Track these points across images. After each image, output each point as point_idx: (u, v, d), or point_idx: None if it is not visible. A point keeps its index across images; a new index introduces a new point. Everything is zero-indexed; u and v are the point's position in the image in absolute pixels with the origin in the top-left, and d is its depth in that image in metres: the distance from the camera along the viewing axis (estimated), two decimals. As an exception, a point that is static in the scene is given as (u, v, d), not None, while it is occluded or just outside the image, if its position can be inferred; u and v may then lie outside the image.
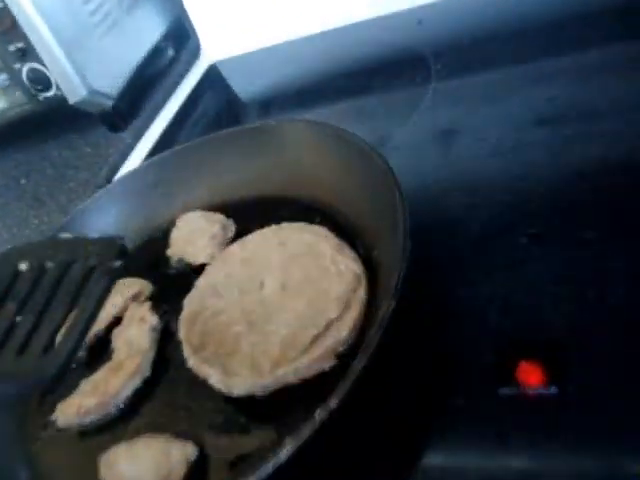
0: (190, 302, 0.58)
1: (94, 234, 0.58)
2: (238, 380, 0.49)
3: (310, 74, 0.95)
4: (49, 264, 0.46)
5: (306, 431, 0.40)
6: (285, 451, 0.40)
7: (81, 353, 0.64)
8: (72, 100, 0.92)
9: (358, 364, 0.42)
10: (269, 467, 0.40)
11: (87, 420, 0.57)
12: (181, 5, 1.08)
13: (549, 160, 0.60)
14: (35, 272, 0.46)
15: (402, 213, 0.49)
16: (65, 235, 0.54)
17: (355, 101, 0.85)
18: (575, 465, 0.40)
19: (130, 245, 0.72)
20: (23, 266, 0.46)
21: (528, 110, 0.66)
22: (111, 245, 0.46)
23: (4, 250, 0.48)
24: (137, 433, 0.53)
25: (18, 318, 0.44)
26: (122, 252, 0.45)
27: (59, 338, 0.43)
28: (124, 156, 0.96)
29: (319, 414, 0.40)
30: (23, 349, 0.43)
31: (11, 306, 0.45)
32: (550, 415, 0.42)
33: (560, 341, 0.46)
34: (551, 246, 0.52)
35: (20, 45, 0.90)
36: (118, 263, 0.45)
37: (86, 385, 0.59)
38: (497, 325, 0.49)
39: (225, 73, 1.07)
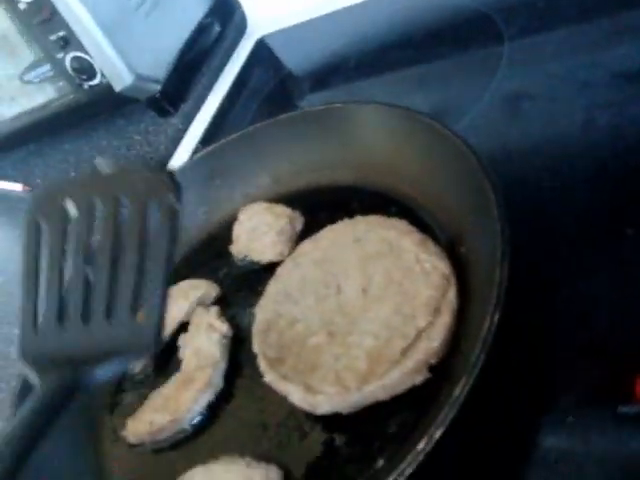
0: (262, 310, 0.54)
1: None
2: (322, 398, 0.45)
3: (367, 43, 0.89)
4: (98, 202, 0.42)
5: (409, 459, 0.36)
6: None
7: (148, 361, 0.61)
8: (118, 88, 0.89)
9: (461, 388, 0.37)
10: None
11: (159, 437, 0.54)
12: (225, -23, 1.03)
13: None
14: (86, 214, 0.42)
15: (498, 208, 0.44)
16: (103, 161, 0.50)
17: (419, 71, 0.79)
18: None
19: (191, 243, 0.69)
20: (71, 207, 0.42)
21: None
22: (163, 179, 0.42)
23: (44, 190, 0.45)
24: (213, 451, 0.50)
25: (90, 275, 0.41)
26: (177, 186, 0.41)
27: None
28: (175, 142, 0.92)
29: (423, 445, 0.36)
30: (110, 312, 0.40)
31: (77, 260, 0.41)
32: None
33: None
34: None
35: (61, 34, 0.87)
36: (174, 200, 0.41)
37: (156, 399, 0.56)
38: (610, 334, 0.43)
39: (274, 47, 1.02)
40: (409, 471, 0.36)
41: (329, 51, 0.92)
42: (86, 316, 0.41)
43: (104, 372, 0.41)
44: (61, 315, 0.41)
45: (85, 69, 0.89)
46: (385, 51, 0.85)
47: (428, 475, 0.38)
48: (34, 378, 0.40)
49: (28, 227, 0.43)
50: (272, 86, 0.95)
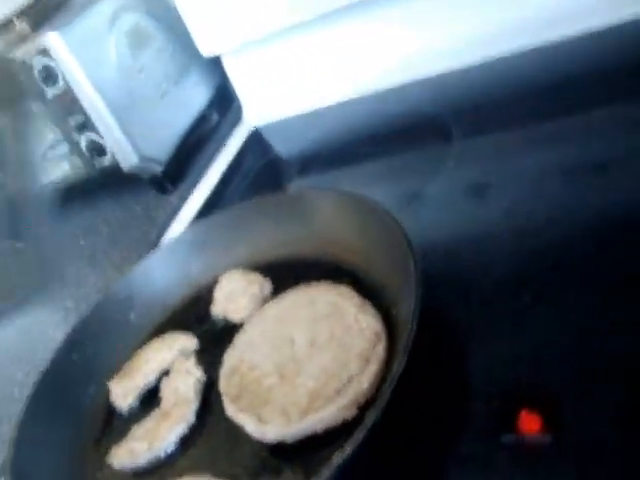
0: (229, 357, 0.65)
1: (145, 291, 0.65)
2: (270, 428, 0.55)
3: (344, 137, 1.02)
4: None
5: (326, 472, 0.46)
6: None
7: (133, 401, 0.71)
8: (125, 167, 1.01)
9: (371, 415, 0.48)
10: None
11: (138, 462, 0.63)
12: (225, 74, 1.17)
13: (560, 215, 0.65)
14: None
15: (415, 274, 0.55)
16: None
17: (385, 162, 0.91)
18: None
19: (177, 304, 0.80)
20: None
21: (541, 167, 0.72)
22: None
23: None
24: (183, 473, 0.59)
25: None
26: None
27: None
28: (171, 217, 1.04)
29: (336, 458, 0.46)
30: None
31: None
32: (547, 462, 0.47)
33: (559, 392, 0.50)
34: (553, 303, 0.57)
35: (79, 118, 1.00)
36: None
37: (137, 431, 0.65)
38: (502, 377, 0.54)
39: (266, 136, 1.15)
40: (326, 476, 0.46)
41: (311, 142, 1.05)
42: None
43: None
44: None
45: (97, 149, 1.02)
46: (358, 144, 0.98)
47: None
48: None
49: None
50: (262, 169, 1.07)
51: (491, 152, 0.81)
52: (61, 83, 0.97)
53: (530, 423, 0.49)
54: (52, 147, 1.08)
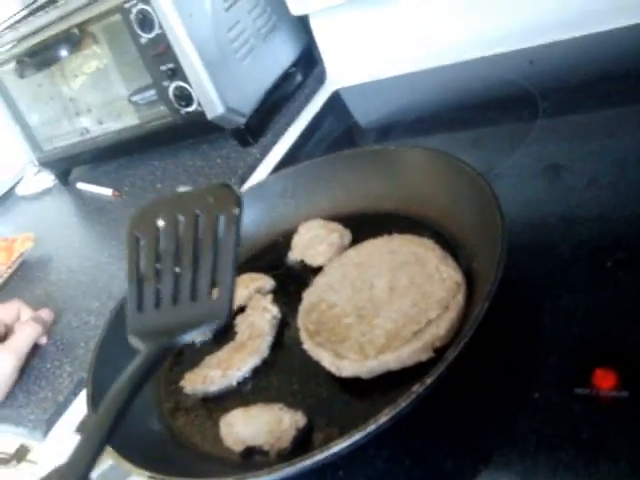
0: (309, 295, 0.67)
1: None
2: (347, 363, 0.57)
3: (425, 105, 1.03)
4: (180, 217, 0.55)
5: (402, 402, 0.48)
6: (382, 419, 0.47)
7: (208, 335, 0.73)
8: (210, 116, 1.04)
9: (452, 353, 0.49)
10: (366, 431, 0.47)
11: (210, 389, 0.66)
12: (311, 35, 1.19)
13: None
14: (172, 226, 0.55)
15: (501, 231, 0.56)
16: (184, 188, 0.62)
17: (465, 132, 0.92)
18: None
19: (256, 246, 0.83)
20: (160, 222, 0.55)
21: (629, 150, 0.72)
22: (228, 194, 0.54)
23: (139, 211, 0.57)
24: (250, 403, 0.61)
25: (177, 269, 0.54)
26: (238, 199, 0.54)
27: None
28: (252, 169, 1.07)
29: (416, 388, 0.48)
30: (194, 295, 0.53)
31: (167, 260, 0.54)
32: (621, 415, 0.48)
33: (635, 353, 0.51)
34: (634, 271, 0.57)
35: (171, 66, 1.03)
36: (237, 210, 0.53)
37: (211, 360, 0.68)
38: (577, 335, 0.55)
39: (347, 99, 1.16)
40: (402, 405, 0.48)
41: (392, 109, 1.05)
42: (175, 299, 0.54)
43: (190, 337, 0.54)
44: (157, 301, 0.54)
45: (185, 97, 1.05)
46: (439, 113, 0.99)
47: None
48: (139, 345, 0.53)
49: (129, 240, 0.56)
50: (340, 133, 1.08)
51: (576, 131, 0.81)
52: (156, 30, 1.01)
53: (605, 380, 0.50)
54: (139, 91, 1.11)
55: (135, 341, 0.54)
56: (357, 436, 0.47)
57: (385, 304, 0.60)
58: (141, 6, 1.00)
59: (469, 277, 0.61)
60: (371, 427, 0.47)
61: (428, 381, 0.48)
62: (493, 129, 0.89)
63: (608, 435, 0.47)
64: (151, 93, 1.10)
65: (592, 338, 0.54)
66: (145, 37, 1.02)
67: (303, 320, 0.64)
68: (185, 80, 1.03)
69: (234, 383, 0.66)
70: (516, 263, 0.57)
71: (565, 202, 0.69)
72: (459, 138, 0.92)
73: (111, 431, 0.45)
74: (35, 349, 0.91)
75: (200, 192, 0.59)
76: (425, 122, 0.99)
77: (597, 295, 0.57)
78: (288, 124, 1.13)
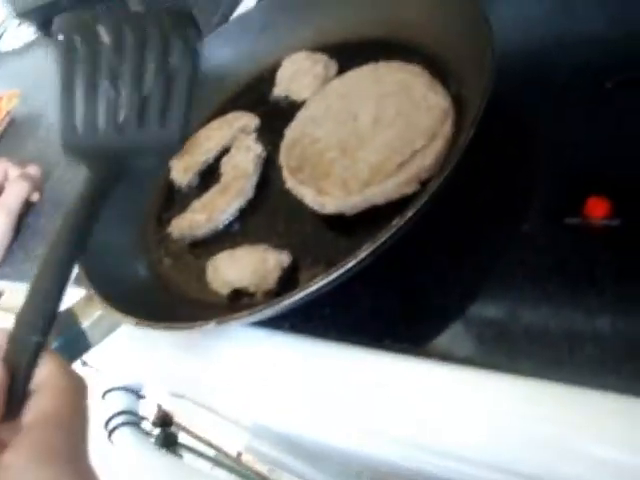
0: (291, 131, 0.63)
1: (207, 69, 0.63)
2: (329, 199, 0.55)
3: None
4: (127, 30, 0.49)
5: (381, 237, 0.45)
6: (361, 254, 0.45)
7: (193, 178, 0.71)
8: None
9: (434, 184, 0.47)
10: (346, 267, 0.46)
11: (197, 233, 0.64)
12: None
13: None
14: (117, 40, 0.49)
15: (489, 54, 0.51)
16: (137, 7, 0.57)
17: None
18: (630, 289, 0.43)
19: (239, 84, 0.78)
20: (102, 30, 0.50)
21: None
22: (187, 21, 0.50)
23: (77, 14, 0.52)
24: (240, 245, 0.60)
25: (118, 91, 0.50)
26: (197, 27, 0.49)
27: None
28: (235, 2, 0.99)
29: (396, 222, 0.45)
30: (141, 122, 0.50)
31: (105, 80, 0.50)
32: (611, 244, 0.46)
33: (630, 180, 0.48)
34: (636, 93, 0.53)
35: None
36: (195, 37, 0.49)
37: (197, 204, 0.66)
38: (571, 163, 0.51)
39: None
40: (387, 244, 0.46)
41: None
42: (121, 124, 0.50)
43: (141, 164, 0.51)
44: (98, 120, 0.50)
45: None
46: None
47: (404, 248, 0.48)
48: (86, 165, 0.50)
49: (65, 41, 0.51)
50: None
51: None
52: None
53: (598, 208, 0.47)
54: None
55: (76, 158, 0.52)
56: (335, 273, 0.46)
57: (369, 136, 0.57)
58: None
59: (460, 105, 0.57)
60: (350, 263, 0.46)
61: (409, 214, 0.46)
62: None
63: (596, 265, 0.44)
64: None
65: (587, 165, 0.51)
66: None
67: (285, 157, 0.61)
68: None
69: (220, 226, 0.64)
70: (509, 89, 0.53)
71: (567, 19, 0.64)
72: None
73: (69, 259, 0.44)
74: (29, 207, 0.90)
75: (155, 12, 0.53)
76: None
77: (593, 120, 0.53)
78: None
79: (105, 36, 0.50)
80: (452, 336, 0.47)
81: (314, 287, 0.46)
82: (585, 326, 0.42)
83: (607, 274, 0.44)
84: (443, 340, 0.47)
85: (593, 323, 0.42)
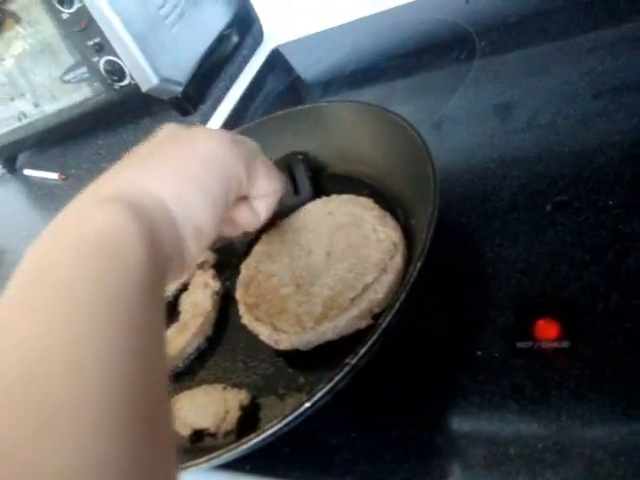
0: (246, 267, 0.64)
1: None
2: (285, 336, 0.55)
3: (365, 54, 0.99)
4: None
5: (335, 377, 0.46)
6: (317, 395, 0.45)
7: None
8: (144, 88, 1.00)
9: (385, 319, 0.47)
10: (300, 411, 0.46)
11: (158, 373, 0.64)
12: (244, -6, 1.14)
13: (580, 133, 0.63)
14: None
15: (433, 184, 0.53)
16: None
17: (408, 79, 0.89)
18: (584, 411, 0.44)
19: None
20: None
21: (566, 86, 0.69)
22: None
23: None
24: (199, 382, 0.60)
25: None
26: None
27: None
28: (193, 138, 1.02)
29: (348, 360, 0.46)
30: None
31: None
32: (562, 366, 0.46)
33: (576, 301, 0.49)
34: (573, 213, 0.55)
35: (97, 40, 0.98)
36: None
37: (157, 343, 0.66)
38: (519, 286, 0.53)
39: (287, 55, 1.13)
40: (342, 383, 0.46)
41: (333, 61, 1.02)
42: None
43: None
44: None
45: (116, 71, 1.01)
46: (379, 61, 0.95)
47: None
48: None
49: None
50: (283, 90, 1.05)
51: (515, 69, 0.78)
52: (77, 3, 0.96)
53: (547, 331, 0.49)
54: (70, 70, 1.07)
55: None
56: (291, 416, 0.46)
57: (322, 270, 0.58)
58: (57, -21, 0.95)
59: (410, 234, 0.59)
60: (306, 404, 0.46)
61: (361, 351, 0.46)
62: (432, 73, 0.86)
63: (549, 389, 0.45)
64: (82, 70, 1.06)
65: (533, 288, 0.52)
66: (66, 12, 0.98)
67: (241, 294, 0.62)
68: (114, 53, 0.99)
69: (180, 365, 0.64)
70: (455, 214, 0.56)
71: (504, 145, 0.67)
72: (401, 86, 0.89)
73: None
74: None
75: None
76: (365, 72, 0.96)
77: (537, 242, 0.55)
78: (228, 88, 1.09)
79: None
80: (412, 471, 0.47)
81: (270, 431, 0.46)
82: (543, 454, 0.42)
83: (560, 397, 0.44)
84: (403, 475, 0.47)
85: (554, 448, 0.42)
